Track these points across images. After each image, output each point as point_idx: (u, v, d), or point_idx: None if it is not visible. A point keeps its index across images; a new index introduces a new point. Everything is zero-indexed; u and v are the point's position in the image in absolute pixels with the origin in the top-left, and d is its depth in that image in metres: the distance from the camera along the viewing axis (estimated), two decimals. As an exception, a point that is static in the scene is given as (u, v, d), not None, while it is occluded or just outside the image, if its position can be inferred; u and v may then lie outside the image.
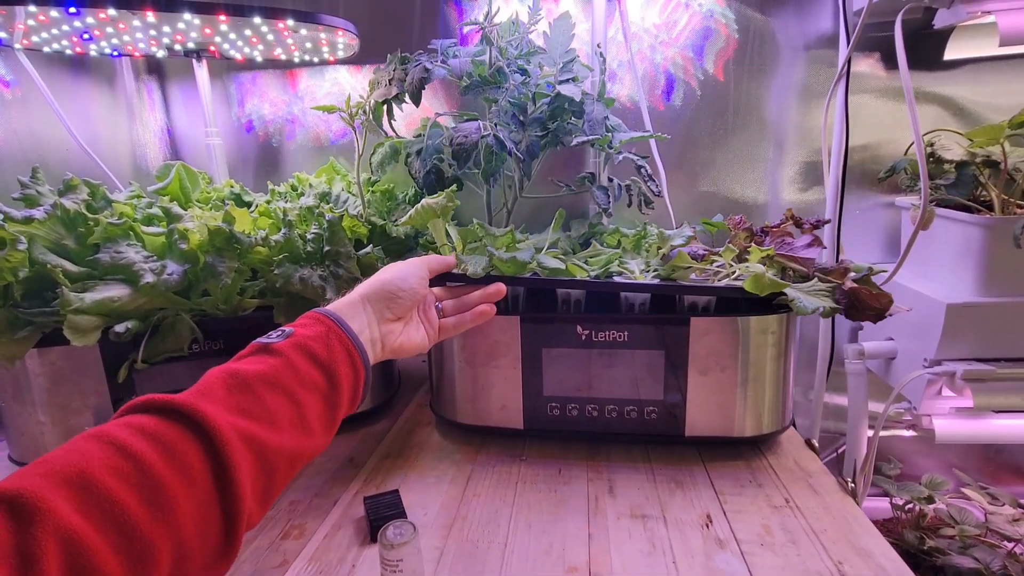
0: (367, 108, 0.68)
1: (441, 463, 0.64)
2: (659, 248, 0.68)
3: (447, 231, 0.66)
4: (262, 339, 0.42)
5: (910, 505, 0.89)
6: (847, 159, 0.79)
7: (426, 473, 0.62)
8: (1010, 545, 0.80)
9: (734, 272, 0.61)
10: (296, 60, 0.90)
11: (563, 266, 0.62)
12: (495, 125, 0.64)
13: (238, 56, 0.87)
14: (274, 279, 0.59)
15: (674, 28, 0.90)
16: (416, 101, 0.64)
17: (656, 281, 0.62)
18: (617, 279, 0.63)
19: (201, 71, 0.83)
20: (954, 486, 0.94)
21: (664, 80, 0.93)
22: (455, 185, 0.65)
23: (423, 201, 0.62)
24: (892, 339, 0.83)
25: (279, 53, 0.86)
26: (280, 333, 0.43)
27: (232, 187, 0.81)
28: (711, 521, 0.52)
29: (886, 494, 0.94)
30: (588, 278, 0.63)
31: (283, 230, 0.61)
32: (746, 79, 0.90)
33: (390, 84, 0.62)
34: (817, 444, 0.65)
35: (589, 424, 0.65)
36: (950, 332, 0.71)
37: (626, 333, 0.62)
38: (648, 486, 0.58)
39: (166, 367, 0.61)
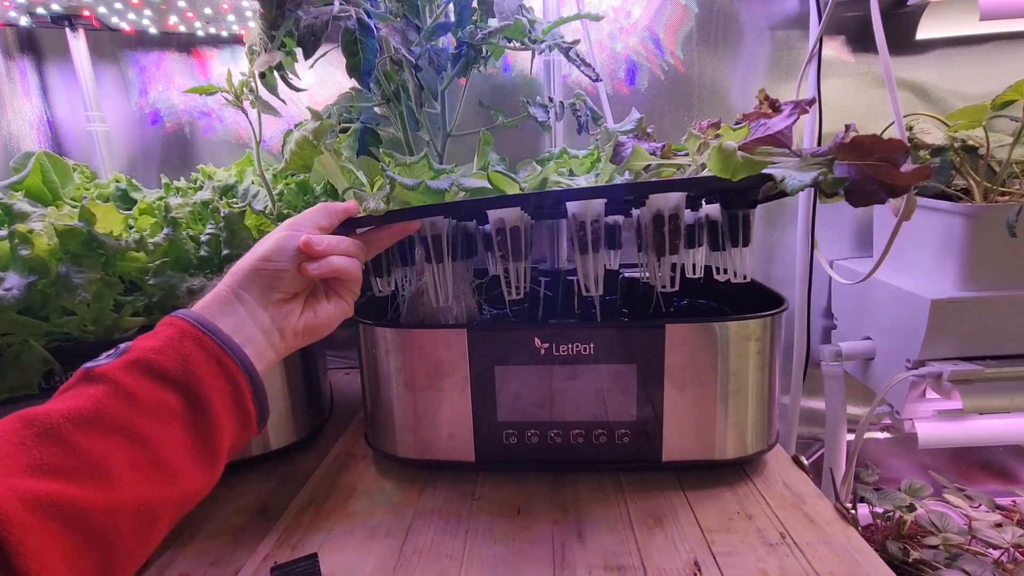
0: (253, 83, 0.56)
1: (376, 510, 0.53)
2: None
3: (345, 168, 0.54)
4: (89, 363, 0.31)
5: (890, 512, 0.84)
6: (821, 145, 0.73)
7: (356, 525, 0.51)
8: (996, 553, 0.75)
9: (704, 169, 0.47)
10: (200, 34, 0.77)
11: (486, 183, 0.49)
12: (364, 11, 0.48)
13: (124, 25, 0.73)
14: (151, 291, 0.46)
15: (634, 10, 0.83)
16: (309, 51, 0.50)
17: (606, 184, 0.50)
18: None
19: (78, 43, 0.69)
20: (931, 489, 0.90)
21: (625, 65, 0.85)
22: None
23: (294, 134, 0.49)
24: (869, 338, 0.78)
25: (175, 22, 0.73)
26: (114, 351, 0.32)
27: (119, 182, 0.67)
28: (700, 570, 0.44)
29: (861, 500, 0.89)
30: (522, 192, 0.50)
31: (165, 230, 0.49)
32: (710, 62, 0.84)
33: (271, 44, 0.50)
34: (806, 461, 0.58)
35: (552, 452, 0.55)
36: (935, 330, 0.66)
37: (592, 345, 0.52)
38: (623, 526, 0.49)
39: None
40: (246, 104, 0.60)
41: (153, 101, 0.90)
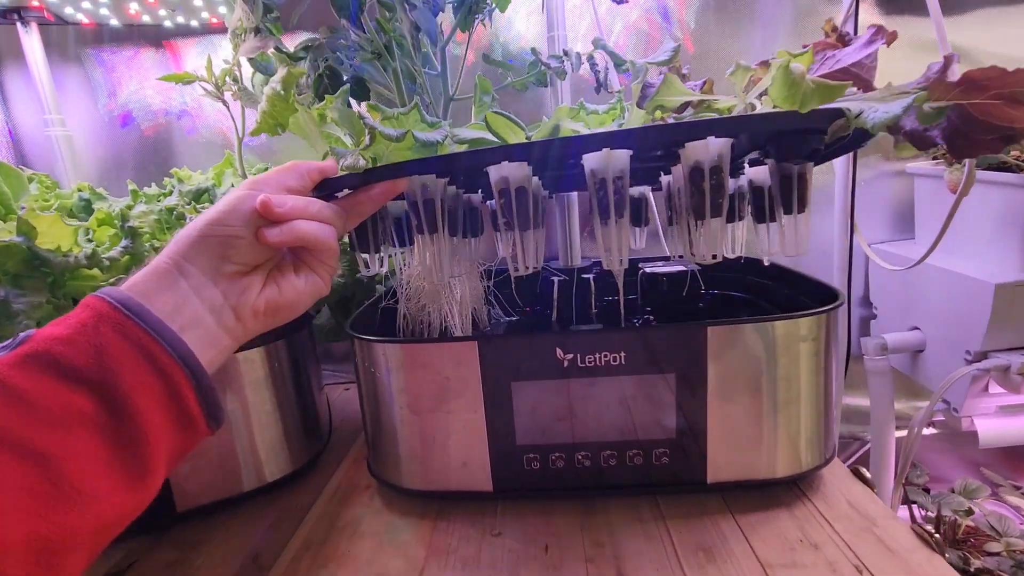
0: (236, 72, 0.49)
1: (383, 552, 0.46)
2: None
3: (328, 134, 0.45)
4: None
5: (944, 517, 0.78)
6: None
7: (361, 572, 0.44)
8: (1068, 559, 0.69)
9: (753, 108, 0.39)
10: (168, 24, 0.70)
11: (486, 134, 0.41)
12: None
13: (80, 17, 0.66)
14: (108, 316, 0.39)
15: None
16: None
17: (631, 127, 0.39)
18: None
19: (31, 39, 0.62)
20: (988, 489, 0.83)
21: (634, 42, 0.78)
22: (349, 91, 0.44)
23: (265, 89, 0.42)
24: (918, 329, 0.71)
25: (137, 11, 0.66)
26: (9, 341, 0.26)
27: (81, 191, 0.60)
28: (768, 619, 0.37)
29: (909, 501, 0.82)
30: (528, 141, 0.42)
31: (124, 241, 0.42)
32: (724, 31, 0.77)
33: (258, 32, 0.43)
34: (867, 473, 0.51)
35: (580, 477, 0.49)
36: (999, 318, 0.59)
37: (622, 353, 0.45)
38: (669, 563, 0.42)
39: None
40: (228, 96, 0.54)
41: (124, 102, 0.83)
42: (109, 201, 0.60)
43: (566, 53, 0.58)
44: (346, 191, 0.39)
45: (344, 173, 0.37)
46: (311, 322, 0.64)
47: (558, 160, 0.40)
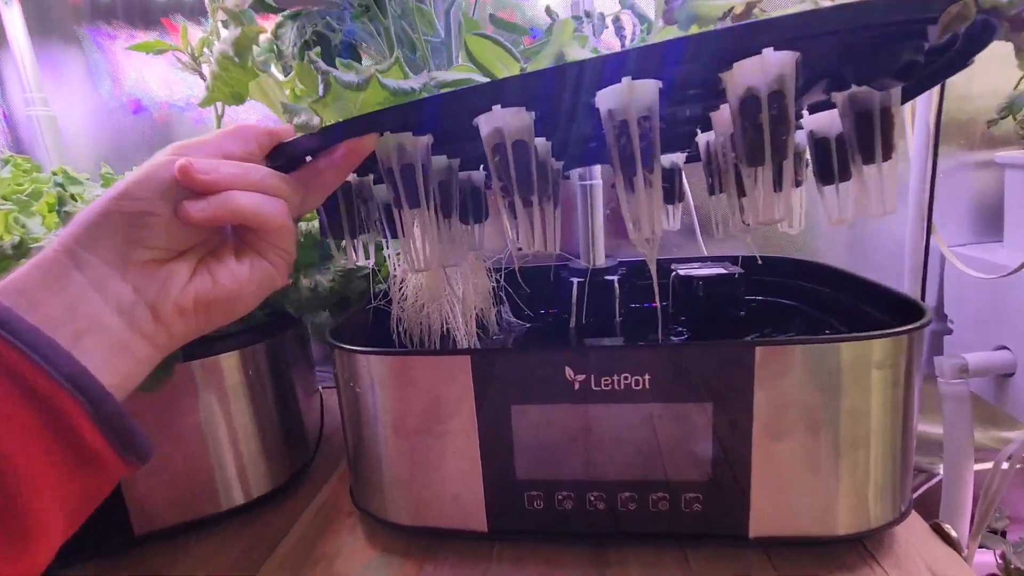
0: (215, 37, 0.43)
1: (356, 599, 0.40)
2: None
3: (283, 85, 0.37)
4: None
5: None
6: (943, 99, 0.55)
7: (327, 624, 0.38)
8: None
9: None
10: (159, -3, 0.65)
11: (473, 75, 0.33)
12: None
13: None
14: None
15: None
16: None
17: (663, 41, 0.26)
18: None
19: (10, 11, 0.58)
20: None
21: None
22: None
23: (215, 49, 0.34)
24: (1006, 348, 0.60)
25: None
26: None
27: (56, 175, 0.55)
28: None
29: (985, 546, 0.71)
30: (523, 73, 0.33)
31: (62, 230, 0.36)
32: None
33: None
34: (952, 532, 0.41)
35: (592, 522, 0.40)
36: (1122, 341, 0.47)
37: (647, 376, 0.37)
38: (699, 641, 0.34)
39: None
40: (206, 69, 0.47)
41: (130, 88, 0.79)
42: (83, 187, 0.55)
43: (588, 14, 0.49)
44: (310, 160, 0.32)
45: (298, 136, 0.30)
46: (299, 322, 0.58)
47: (568, 108, 0.31)
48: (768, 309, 0.60)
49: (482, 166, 0.44)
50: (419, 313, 0.53)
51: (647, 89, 0.27)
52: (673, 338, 0.52)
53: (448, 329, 0.51)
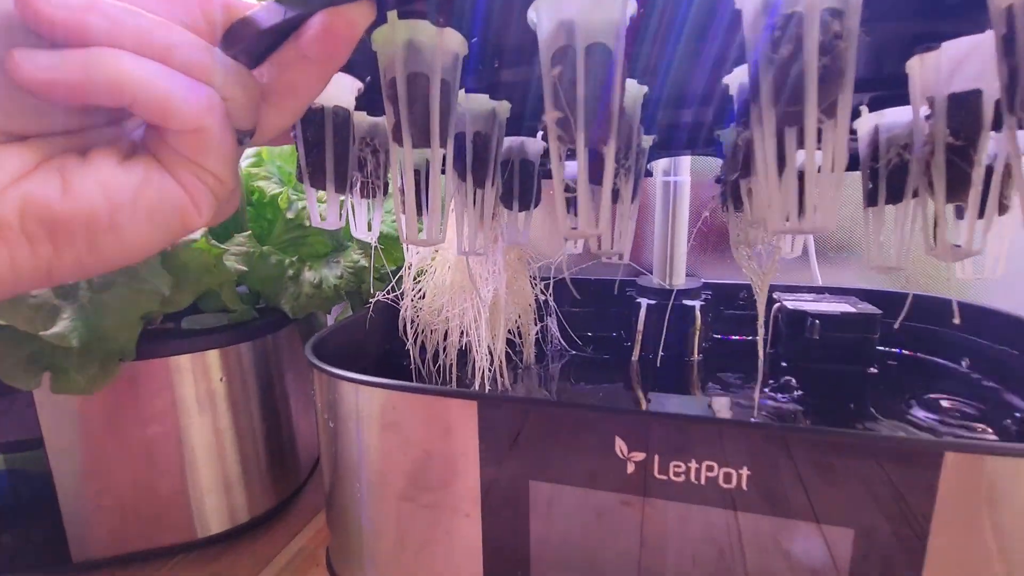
0: None
1: None
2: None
3: None
4: None
5: None
6: None
7: None
8: None
9: None
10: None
11: None
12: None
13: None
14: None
15: None
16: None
17: None
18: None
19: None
20: None
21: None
22: None
23: None
24: None
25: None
26: None
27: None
28: None
29: None
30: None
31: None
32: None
33: None
34: None
35: (637, 667, 0.27)
36: None
37: (745, 471, 0.23)
38: None
39: None
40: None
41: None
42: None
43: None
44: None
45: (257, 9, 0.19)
46: (293, 321, 0.48)
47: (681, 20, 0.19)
48: (909, 366, 0.44)
49: (541, 132, 0.32)
50: (436, 317, 0.42)
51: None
52: (791, 403, 0.37)
53: (468, 346, 0.40)
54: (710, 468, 0.24)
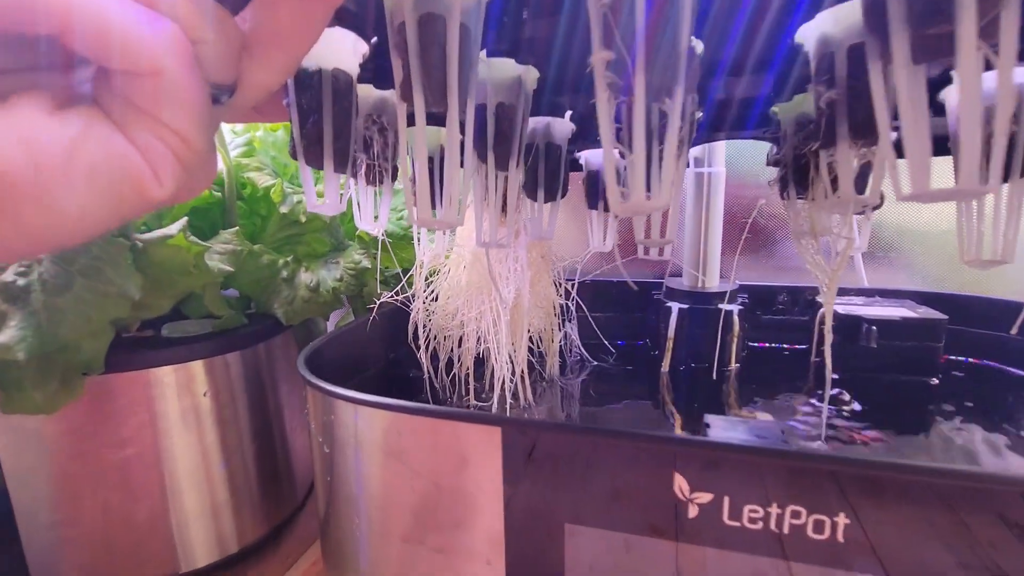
0: None
1: None
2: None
3: None
4: None
5: None
6: None
7: None
8: None
9: None
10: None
11: None
12: None
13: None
14: None
15: None
16: None
17: None
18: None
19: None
20: None
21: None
22: None
23: None
24: None
25: None
26: None
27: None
28: None
29: None
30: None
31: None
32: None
33: None
34: None
35: None
36: None
37: (842, 518, 0.19)
38: None
39: None
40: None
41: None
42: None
43: None
44: None
45: None
46: (288, 328, 0.44)
47: None
48: (974, 376, 0.39)
49: (569, 112, 0.27)
50: (450, 321, 0.38)
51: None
52: (862, 423, 0.32)
53: (485, 353, 0.36)
54: (796, 515, 0.19)
